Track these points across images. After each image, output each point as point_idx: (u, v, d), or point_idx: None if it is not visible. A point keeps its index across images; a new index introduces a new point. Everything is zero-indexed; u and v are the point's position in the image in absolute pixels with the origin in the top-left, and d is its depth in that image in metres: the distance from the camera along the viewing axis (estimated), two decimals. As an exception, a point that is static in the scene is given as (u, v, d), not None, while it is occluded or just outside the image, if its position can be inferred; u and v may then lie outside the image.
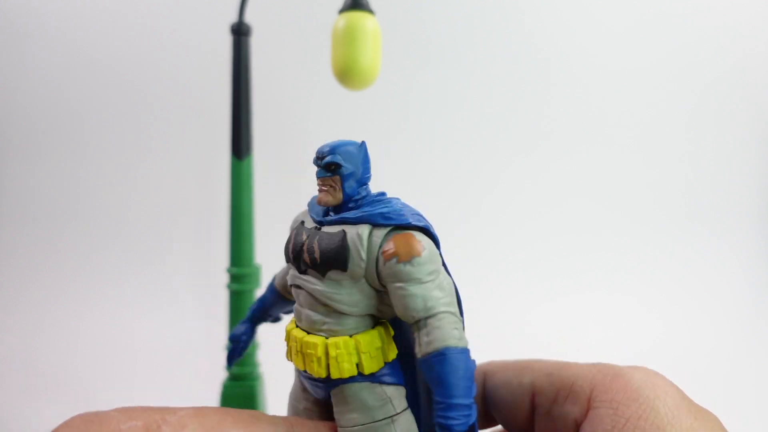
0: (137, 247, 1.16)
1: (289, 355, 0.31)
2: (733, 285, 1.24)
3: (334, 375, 0.28)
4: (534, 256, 1.20)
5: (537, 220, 1.23)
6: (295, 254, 0.30)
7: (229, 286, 0.68)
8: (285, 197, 1.10)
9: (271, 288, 0.38)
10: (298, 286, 0.30)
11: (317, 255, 0.29)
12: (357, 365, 0.29)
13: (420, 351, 0.27)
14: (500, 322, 0.98)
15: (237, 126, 0.67)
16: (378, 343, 0.29)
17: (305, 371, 0.30)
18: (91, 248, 1.15)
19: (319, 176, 0.30)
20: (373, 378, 0.29)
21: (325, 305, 0.29)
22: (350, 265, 0.28)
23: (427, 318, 0.27)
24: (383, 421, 0.29)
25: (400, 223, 0.29)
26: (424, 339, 0.27)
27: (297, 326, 0.31)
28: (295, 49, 1.16)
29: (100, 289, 1.12)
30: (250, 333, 0.39)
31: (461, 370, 0.26)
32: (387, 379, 0.29)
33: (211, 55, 1.10)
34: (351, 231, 0.29)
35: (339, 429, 0.30)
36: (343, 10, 0.58)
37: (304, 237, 0.30)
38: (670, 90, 1.28)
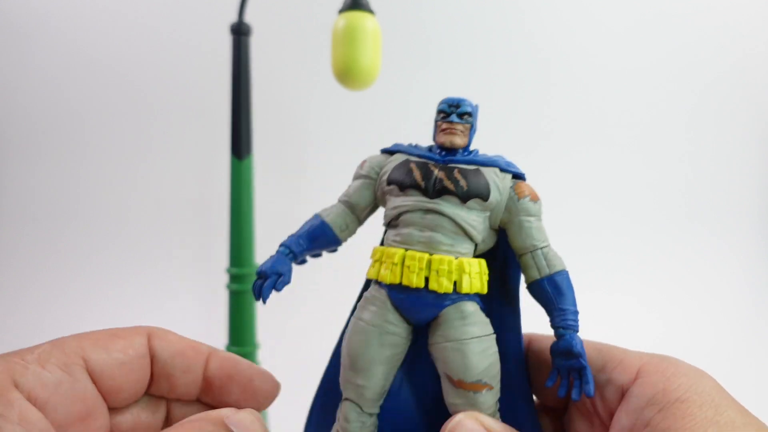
0: (137, 247, 1.16)
1: (396, 276, 0.33)
2: (733, 285, 1.24)
3: (465, 289, 0.33)
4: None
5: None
6: (427, 180, 0.34)
7: (229, 286, 0.68)
8: (285, 197, 1.10)
9: (324, 226, 0.37)
10: (425, 210, 0.33)
11: (464, 184, 0.33)
12: (479, 284, 0.34)
13: (540, 272, 0.34)
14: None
15: (237, 126, 0.67)
16: (486, 271, 0.35)
17: (419, 290, 0.32)
18: (90, 248, 1.15)
19: (453, 121, 0.36)
20: (478, 301, 0.34)
21: (459, 227, 0.33)
22: (491, 197, 0.34)
23: (543, 247, 0.35)
24: (492, 336, 0.34)
25: (518, 173, 0.36)
26: (543, 263, 0.34)
27: (407, 249, 0.33)
28: (295, 49, 1.16)
29: (99, 289, 1.12)
30: (290, 271, 0.37)
31: (572, 286, 0.34)
32: (483, 307, 0.35)
33: (211, 55, 1.10)
34: (486, 170, 0.35)
35: (451, 343, 0.33)
36: (343, 10, 0.58)
37: (435, 169, 0.34)
38: (670, 90, 1.28)
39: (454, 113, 0.36)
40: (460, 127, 0.36)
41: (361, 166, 0.39)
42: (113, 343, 0.32)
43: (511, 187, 0.35)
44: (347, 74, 0.58)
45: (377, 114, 1.18)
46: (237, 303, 0.67)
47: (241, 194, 0.67)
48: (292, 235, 0.37)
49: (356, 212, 0.38)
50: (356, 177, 0.39)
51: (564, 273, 0.34)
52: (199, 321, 1.01)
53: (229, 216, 0.68)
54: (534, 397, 0.38)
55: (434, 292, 0.33)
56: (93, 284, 1.12)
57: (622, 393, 0.31)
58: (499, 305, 0.37)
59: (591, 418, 0.34)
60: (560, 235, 1.32)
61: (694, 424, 0.27)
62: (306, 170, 1.17)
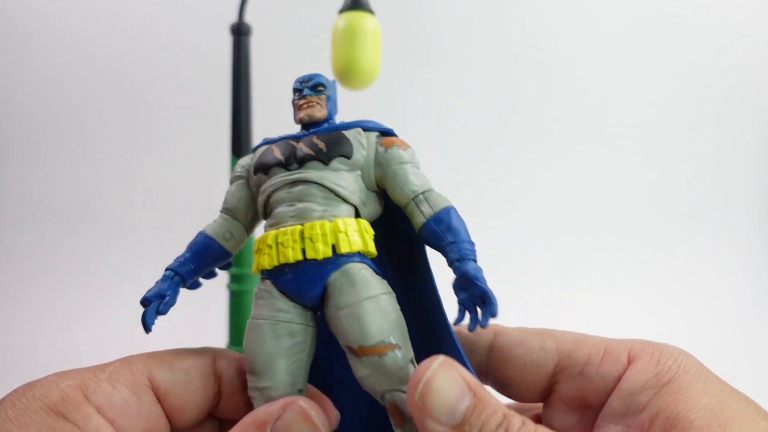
0: (137, 247, 1.15)
1: (273, 259, 0.31)
2: (733, 285, 1.24)
3: (344, 249, 0.31)
4: (533, 257, 1.20)
5: (536, 220, 1.23)
6: (286, 156, 0.33)
7: (229, 286, 0.68)
8: (285, 197, 1.09)
9: (207, 238, 0.36)
10: (291, 183, 0.32)
11: (322, 146, 0.33)
12: (360, 242, 0.32)
13: (424, 215, 0.32)
14: (499, 322, 0.97)
15: (237, 126, 0.67)
16: (371, 231, 0.33)
17: (299, 264, 0.31)
18: (90, 248, 1.15)
19: (306, 95, 0.35)
20: (367, 262, 0.32)
21: (328, 190, 0.32)
22: (354, 154, 0.33)
23: (423, 192, 0.33)
24: (389, 294, 0.31)
25: (385, 130, 0.35)
26: (426, 206, 0.32)
27: (279, 229, 0.32)
28: (295, 49, 1.16)
29: (99, 289, 1.12)
30: (175, 293, 0.35)
31: (462, 220, 0.33)
32: (376, 270, 0.32)
33: (211, 55, 1.10)
34: (348, 132, 0.34)
35: (343, 311, 0.30)
36: (343, 10, 0.58)
37: (293, 143, 0.34)
38: (670, 90, 1.27)
39: (305, 88, 0.35)
40: (315, 99, 0.35)
41: (234, 170, 0.38)
42: (178, 363, 0.33)
43: (377, 141, 0.34)
44: (347, 74, 0.58)
45: (377, 114, 1.18)
46: (237, 303, 0.67)
47: (241, 194, 0.67)
48: (177, 258, 0.35)
49: (238, 217, 0.36)
50: (230, 181, 0.38)
51: (449, 208, 0.33)
52: (199, 321, 1.01)
53: (229, 216, 0.68)
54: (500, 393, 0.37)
55: (314, 261, 0.31)
56: (93, 284, 1.12)
57: (616, 382, 0.32)
58: (409, 265, 0.36)
59: (581, 410, 0.34)
60: (560, 235, 1.33)
61: (689, 396, 0.28)
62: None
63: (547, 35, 1.24)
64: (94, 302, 1.10)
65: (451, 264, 0.31)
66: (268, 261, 0.32)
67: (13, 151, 1.15)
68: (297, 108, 0.35)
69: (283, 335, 0.31)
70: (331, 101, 0.36)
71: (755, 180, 1.31)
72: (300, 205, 0.32)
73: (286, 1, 1.14)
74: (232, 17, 0.66)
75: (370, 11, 0.58)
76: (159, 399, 0.31)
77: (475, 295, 0.30)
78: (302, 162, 0.32)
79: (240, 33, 0.66)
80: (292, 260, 0.31)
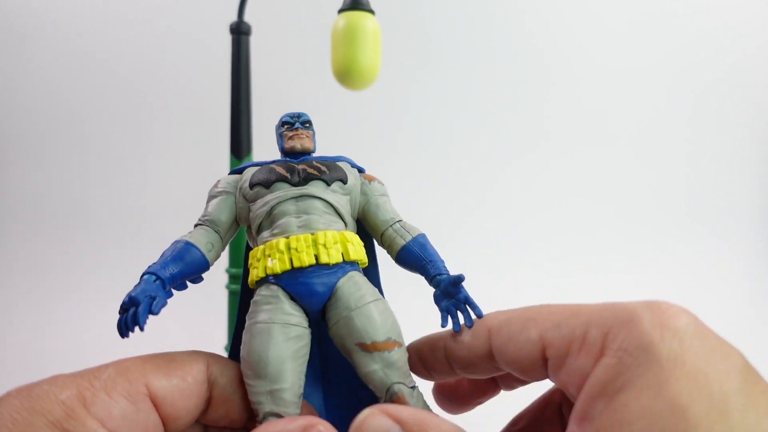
0: (137, 247, 1.15)
1: (286, 263, 0.34)
2: (733, 285, 1.23)
3: (352, 257, 0.35)
4: (533, 256, 1.20)
5: (536, 220, 1.23)
6: (292, 172, 0.36)
7: (228, 286, 0.68)
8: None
9: (189, 245, 0.36)
10: (297, 197, 0.35)
11: (324, 168, 0.36)
12: (362, 252, 0.36)
13: (404, 239, 0.37)
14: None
15: (237, 126, 0.67)
16: (363, 244, 0.37)
17: (311, 269, 0.34)
18: (90, 248, 1.15)
19: (299, 128, 0.38)
20: (365, 273, 0.36)
21: (330, 206, 0.36)
22: (348, 180, 0.37)
23: (400, 221, 0.38)
24: (384, 299, 0.35)
25: (360, 169, 0.40)
26: (404, 231, 0.37)
27: (287, 237, 0.34)
28: (295, 49, 1.16)
29: (99, 289, 1.12)
30: (164, 295, 0.34)
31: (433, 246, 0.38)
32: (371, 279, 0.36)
33: (211, 55, 1.10)
34: (339, 163, 0.38)
35: (354, 311, 0.33)
36: (343, 10, 0.58)
37: (293, 164, 0.37)
38: (670, 90, 1.27)
39: (297, 122, 0.39)
40: (305, 133, 0.38)
41: (215, 186, 0.39)
42: (173, 369, 0.32)
43: (360, 176, 0.39)
44: (347, 74, 0.58)
45: (377, 114, 1.18)
46: (236, 303, 0.67)
47: (241, 194, 0.67)
48: (154, 263, 0.35)
49: (219, 230, 0.38)
50: (211, 197, 0.39)
51: (423, 235, 0.38)
52: (199, 321, 1.01)
53: (228, 216, 0.68)
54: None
55: (326, 266, 0.34)
56: (92, 284, 1.12)
57: (586, 379, 0.29)
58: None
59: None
60: (560, 235, 1.33)
61: (636, 405, 0.25)
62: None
63: (547, 35, 1.24)
64: (94, 302, 1.10)
65: (433, 278, 0.36)
66: (280, 265, 0.33)
67: (14, 151, 1.15)
68: (287, 138, 0.38)
69: (293, 338, 0.33)
70: (314, 136, 0.40)
71: (755, 180, 1.31)
72: (305, 217, 0.35)
73: (286, 1, 1.14)
74: (232, 17, 0.66)
75: (370, 11, 0.58)
76: (155, 406, 0.31)
77: (459, 299, 0.35)
78: (307, 180, 0.36)
79: (240, 33, 0.66)
80: (306, 264, 0.33)
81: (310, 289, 0.34)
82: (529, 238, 1.21)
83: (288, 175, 0.36)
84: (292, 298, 0.34)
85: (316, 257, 0.34)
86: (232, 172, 0.40)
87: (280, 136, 0.39)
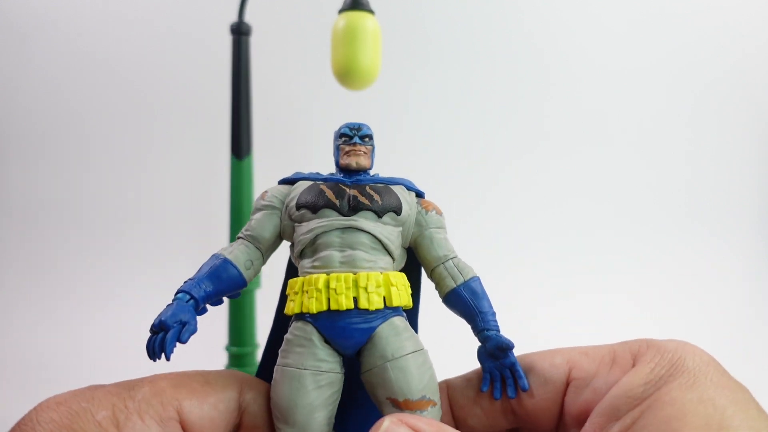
0: (137, 247, 1.15)
1: (322, 304, 0.31)
2: (734, 285, 1.23)
3: (395, 303, 0.32)
4: (532, 257, 1.20)
5: (536, 221, 1.23)
6: (341, 198, 0.33)
7: (229, 286, 0.68)
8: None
9: (227, 264, 0.34)
10: (343, 228, 0.33)
11: (377, 198, 0.34)
12: (406, 296, 0.34)
13: (455, 281, 0.35)
14: (503, 323, 0.97)
15: (237, 126, 0.67)
16: (408, 284, 0.35)
17: (349, 313, 0.31)
18: (90, 248, 1.15)
19: (357, 143, 0.36)
20: (405, 315, 0.34)
21: (378, 241, 0.33)
22: (403, 212, 0.34)
23: (453, 257, 0.36)
24: (425, 351, 0.33)
25: (421, 192, 0.37)
26: (456, 271, 0.35)
27: (328, 272, 0.32)
28: (295, 49, 1.16)
29: (99, 289, 1.12)
30: (195, 319, 0.33)
31: (485, 290, 0.35)
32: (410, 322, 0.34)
33: (211, 55, 1.10)
34: (394, 188, 0.36)
35: (391, 362, 0.31)
36: (343, 10, 0.58)
37: (346, 188, 0.34)
38: (670, 90, 1.27)
39: (356, 136, 0.36)
40: (363, 148, 0.36)
41: (262, 197, 0.37)
42: (206, 395, 0.32)
43: (417, 202, 0.36)
44: (347, 74, 0.58)
45: (377, 114, 1.18)
46: (237, 303, 0.67)
47: (241, 194, 0.67)
48: (190, 279, 0.34)
49: (261, 247, 0.36)
50: (257, 209, 0.37)
51: (477, 279, 0.35)
52: (199, 321, 1.01)
53: (229, 216, 0.68)
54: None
55: (365, 311, 0.32)
56: (92, 284, 1.12)
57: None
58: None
59: None
60: (559, 235, 1.33)
61: (664, 413, 0.28)
62: (305, 170, 1.16)
63: (547, 35, 1.24)
64: (94, 302, 1.10)
65: (480, 332, 0.34)
66: (316, 305, 0.32)
67: (13, 152, 1.15)
68: (344, 153, 0.36)
69: (324, 386, 0.32)
70: (374, 151, 0.38)
71: (755, 180, 1.31)
72: (350, 252, 0.33)
73: (286, 1, 1.14)
74: (232, 17, 0.66)
75: (370, 11, 0.58)
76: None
77: (504, 365, 0.34)
78: (356, 209, 0.33)
79: (240, 33, 0.66)
80: (344, 308, 0.31)
81: (346, 334, 0.32)
82: (529, 238, 1.21)
83: (336, 202, 0.33)
84: (326, 341, 0.32)
85: (356, 300, 0.31)
86: (282, 182, 0.38)
87: (337, 149, 0.37)
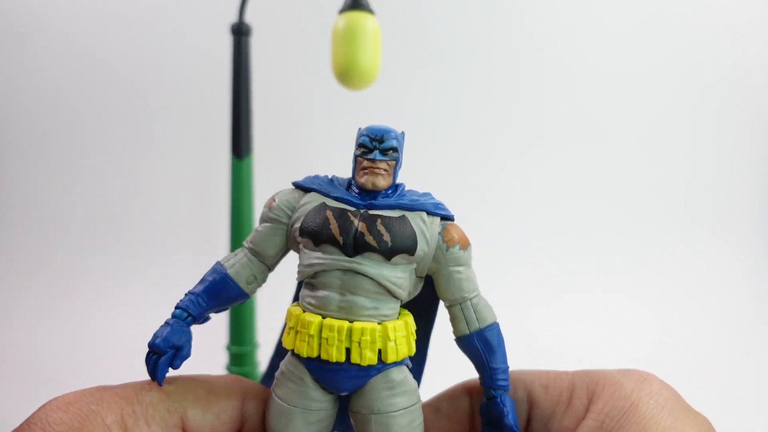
0: (137, 247, 1.16)
1: (313, 350, 0.30)
2: (734, 285, 1.24)
3: (391, 359, 0.30)
4: (532, 256, 1.20)
5: (536, 220, 1.23)
6: (346, 234, 0.30)
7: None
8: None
9: (227, 280, 0.33)
10: (344, 270, 0.30)
11: (388, 239, 0.30)
12: (406, 349, 0.31)
13: (469, 327, 0.32)
14: (499, 322, 0.97)
15: (237, 126, 0.67)
16: (413, 327, 0.32)
17: (340, 363, 0.30)
18: (90, 248, 1.15)
19: (376, 159, 0.31)
20: (407, 363, 0.32)
21: (382, 287, 0.30)
22: (417, 251, 0.30)
23: (472, 298, 0.32)
24: (418, 404, 0.32)
25: (448, 215, 0.32)
26: (473, 316, 0.32)
27: (324, 316, 0.30)
28: (295, 49, 1.16)
29: (99, 289, 1.12)
30: (190, 341, 0.32)
31: (503, 339, 0.32)
32: (410, 367, 0.32)
33: (211, 55, 1.10)
34: (413, 217, 0.31)
35: (376, 415, 0.30)
36: (343, 10, 0.58)
37: (354, 219, 0.30)
38: (671, 89, 1.27)
39: (377, 149, 0.31)
40: (383, 165, 0.31)
41: (269, 206, 0.33)
42: (210, 404, 0.32)
43: (440, 233, 0.32)
44: (347, 74, 0.58)
45: (377, 114, 1.18)
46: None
47: (241, 194, 0.67)
48: (190, 293, 0.32)
49: (265, 261, 0.34)
50: (264, 219, 0.34)
51: (494, 326, 0.32)
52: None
53: (229, 215, 0.68)
54: None
55: (357, 366, 0.30)
56: (92, 284, 1.12)
57: None
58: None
59: None
60: (559, 235, 1.33)
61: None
62: (306, 170, 1.16)
63: (548, 35, 1.24)
64: (94, 302, 1.10)
65: (486, 388, 0.32)
66: (307, 350, 0.30)
67: (13, 152, 1.15)
68: (360, 168, 0.31)
69: (313, 422, 0.31)
70: (399, 164, 0.32)
71: (756, 180, 1.31)
72: (350, 297, 0.30)
73: (286, 1, 1.14)
74: (232, 17, 0.66)
75: (370, 11, 0.58)
76: None
77: None
78: (361, 250, 0.30)
79: (240, 33, 0.66)
80: (334, 360, 0.30)
81: (337, 384, 0.31)
82: (526, 238, 1.21)
83: (340, 239, 0.30)
84: (317, 379, 0.31)
85: (348, 351, 0.29)
86: (295, 184, 0.34)
87: (354, 159, 0.32)
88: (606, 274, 1.20)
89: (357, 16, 0.57)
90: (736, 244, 1.29)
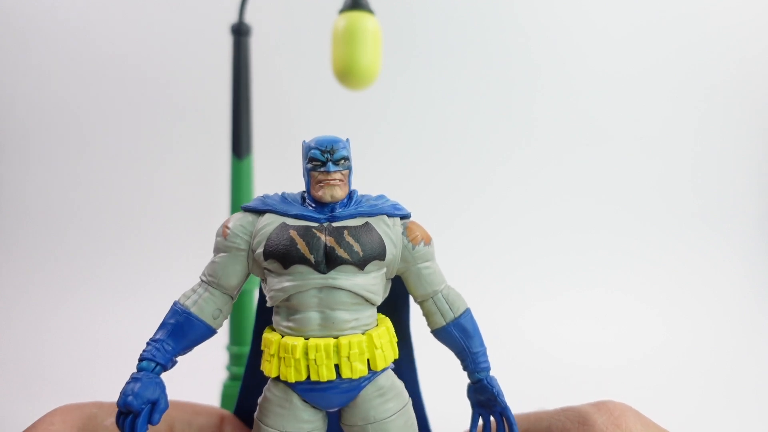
0: (137, 247, 1.16)
1: (301, 374, 0.29)
2: (736, 284, 1.24)
3: (380, 366, 0.30)
4: (533, 255, 1.20)
5: (537, 219, 1.23)
6: (316, 252, 0.29)
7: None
8: (285, 197, 1.09)
9: (191, 319, 0.31)
10: (320, 288, 0.30)
11: (359, 249, 0.30)
12: (392, 353, 0.32)
13: (444, 318, 0.32)
14: (497, 322, 0.98)
15: (237, 126, 0.67)
16: (393, 330, 0.32)
17: (331, 381, 0.30)
18: (90, 248, 1.15)
19: (330, 170, 0.31)
20: (392, 366, 0.32)
21: (360, 297, 0.30)
22: (387, 255, 0.31)
23: (442, 289, 0.33)
24: (409, 402, 0.32)
25: (405, 214, 0.33)
26: (446, 306, 0.32)
27: (307, 337, 0.30)
28: (295, 49, 1.16)
29: (99, 289, 1.12)
30: (164, 392, 0.30)
31: (476, 323, 0.33)
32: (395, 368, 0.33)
33: (211, 55, 1.10)
34: (376, 222, 0.31)
35: (372, 425, 0.30)
36: (343, 10, 0.58)
37: (321, 235, 0.30)
38: (674, 89, 1.27)
39: (329, 161, 0.31)
40: (338, 176, 0.31)
41: (223, 234, 0.33)
42: (195, 418, 0.35)
43: (402, 233, 0.32)
44: (347, 74, 0.58)
45: (377, 114, 1.18)
46: (237, 303, 0.67)
47: (241, 194, 0.67)
48: (153, 340, 0.31)
49: (228, 291, 0.33)
50: (220, 249, 0.33)
51: (467, 313, 0.33)
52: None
53: (228, 216, 0.68)
54: None
55: (348, 380, 0.30)
56: (92, 284, 1.12)
57: None
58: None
59: None
60: (560, 233, 1.33)
61: None
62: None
63: (548, 36, 1.24)
64: (94, 302, 1.10)
65: (470, 373, 0.33)
66: (295, 375, 0.29)
67: (13, 151, 1.15)
68: (315, 182, 0.31)
69: None
70: (351, 172, 0.32)
71: (758, 179, 1.31)
72: (329, 314, 0.30)
73: (286, 1, 1.14)
74: (232, 17, 0.66)
75: (370, 11, 0.58)
76: None
77: (495, 410, 0.32)
78: (334, 264, 0.29)
79: (240, 33, 0.66)
80: (326, 379, 0.29)
81: (328, 402, 0.30)
82: (527, 237, 1.21)
83: (311, 258, 0.29)
84: (306, 400, 0.31)
85: (338, 367, 0.29)
86: (245, 207, 0.33)
87: (307, 173, 0.32)
88: (607, 272, 1.20)
89: (357, 16, 0.57)
90: (739, 243, 1.29)
